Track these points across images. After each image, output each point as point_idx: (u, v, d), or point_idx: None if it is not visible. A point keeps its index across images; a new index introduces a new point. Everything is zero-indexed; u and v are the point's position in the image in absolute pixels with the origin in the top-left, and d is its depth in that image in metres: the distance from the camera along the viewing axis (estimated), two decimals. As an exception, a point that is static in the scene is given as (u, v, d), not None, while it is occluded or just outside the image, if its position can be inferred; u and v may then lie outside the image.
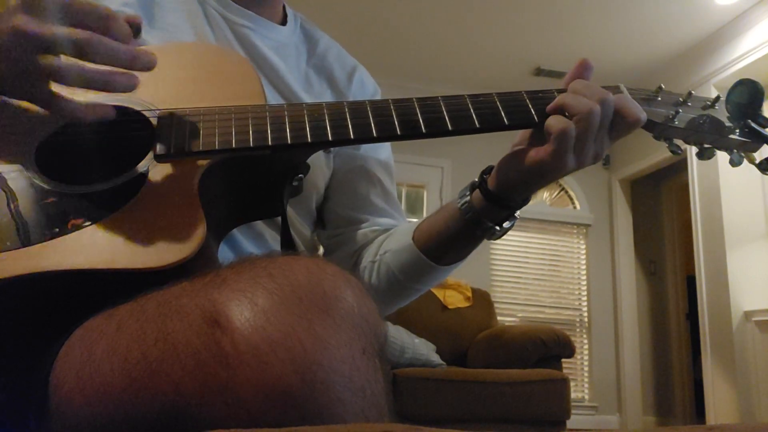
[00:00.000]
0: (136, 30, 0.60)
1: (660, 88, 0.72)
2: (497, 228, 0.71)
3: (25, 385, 0.46)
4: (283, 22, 0.91)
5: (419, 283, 0.82)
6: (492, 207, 0.69)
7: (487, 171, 0.71)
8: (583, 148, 0.63)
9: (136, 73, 0.56)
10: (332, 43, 0.96)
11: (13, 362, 0.49)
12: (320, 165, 0.83)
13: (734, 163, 0.71)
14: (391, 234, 0.85)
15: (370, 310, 0.41)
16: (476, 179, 0.71)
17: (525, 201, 0.71)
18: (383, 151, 0.92)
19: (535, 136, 0.66)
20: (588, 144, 0.63)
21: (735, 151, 0.72)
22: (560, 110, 0.64)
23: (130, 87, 0.56)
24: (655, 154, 4.46)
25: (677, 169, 4.68)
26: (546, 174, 0.65)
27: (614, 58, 4.20)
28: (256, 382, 0.35)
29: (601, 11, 3.71)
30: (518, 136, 0.69)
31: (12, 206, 0.54)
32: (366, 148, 0.89)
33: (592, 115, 0.62)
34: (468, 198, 0.71)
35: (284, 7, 0.93)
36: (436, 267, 0.77)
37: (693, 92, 0.71)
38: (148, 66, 0.57)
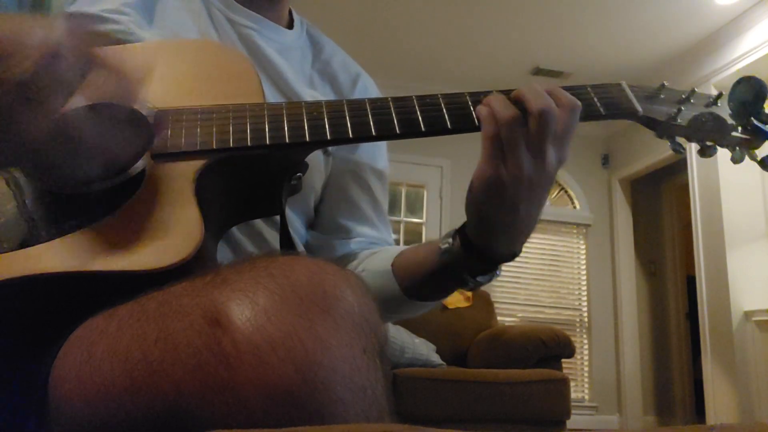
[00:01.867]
0: None
1: (663, 85, 0.72)
2: (470, 279, 0.67)
3: (25, 385, 0.46)
4: (290, 27, 0.91)
5: (388, 312, 0.78)
6: (469, 255, 0.65)
7: None
8: (516, 159, 0.59)
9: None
10: (337, 49, 0.95)
11: (13, 363, 0.49)
12: (318, 166, 0.83)
13: (736, 160, 0.71)
14: (376, 253, 0.82)
15: (371, 309, 0.41)
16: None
17: (508, 256, 0.65)
18: (380, 159, 0.91)
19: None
20: (546, 145, 0.59)
21: (737, 148, 0.71)
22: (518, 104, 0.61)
23: None
24: (655, 153, 4.46)
25: (677, 169, 4.68)
26: (489, 196, 0.60)
27: (614, 57, 4.20)
28: (257, 381, 0.34)
29: (601, 11, 3.71)
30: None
31: (20, 206, 0.54)
32: (363, 154, 0.89)
33: (549, 114, 0.59)
34: (450, 241, 0.67)
35: (291, 12, 0.93)
36: (407, 301, 0.75)
37: (696, 89, 0.71)
38: None
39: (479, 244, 0.65)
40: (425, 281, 0.72)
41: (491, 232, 0.64)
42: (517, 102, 0.60)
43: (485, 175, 0.60)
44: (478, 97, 0.65)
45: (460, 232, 0.67)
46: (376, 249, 0.86)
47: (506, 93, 0.65)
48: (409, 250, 0.76)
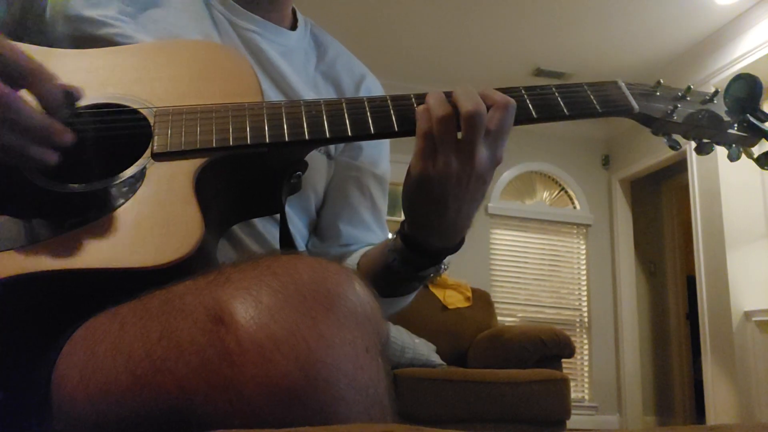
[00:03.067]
0: (72, 99, 0.55)
1: (659, 83, 0.72)
2: (414, 274, 0.68)
3: (27, 384, 0.46)
4: (293, 27, 0.91)
5: None
6: (410, 252, 0.67)
7: None
8: (473, 150, 0.60)
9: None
10: (342, 50, 0.95)
11: (14, 361, 0.49)
12: (320, 168, 0.83)
13: (732, 157, 0.72)
14: (354, 253, 0.84)
15: (373, 308, 0.41)
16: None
17: (446, 250, 0.67)
18: (381, 163, 0.92)
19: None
20: (476, 146, 0.60)
21: (733, 145, 0.72)
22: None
23: (43, 162, 0.51)
24: (655, 154, 4.46)
25: (677, 169, 4.68)
26: (420, 188, 0.61)
27: (614, 58, 4.20)
28: (261, 379, 0.35)
29: (601, 11, 3.71)
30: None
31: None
32: (365, 159, 0.89)
33: (478, 115, 0.59)
34: (394, 238, 0.69)
35: (294, 12, 0.92)
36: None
37: (692, 87, 0.72)
38: (61, 145, 0.52)
39: (415, 239, 0.66)
40: (381, 278, 0.73)
41: (423, 227, 0.65)
42: (453, 103, 0.61)
43: (415, 171, 0.62)
44: None
45: (399, 230, 0.68)
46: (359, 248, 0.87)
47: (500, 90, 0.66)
48: (372, 248, 0.78)
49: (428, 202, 0.62)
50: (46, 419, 0.43)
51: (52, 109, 0.52)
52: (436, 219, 0.64)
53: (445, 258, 0.68)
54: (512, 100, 0.62)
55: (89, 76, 0.65)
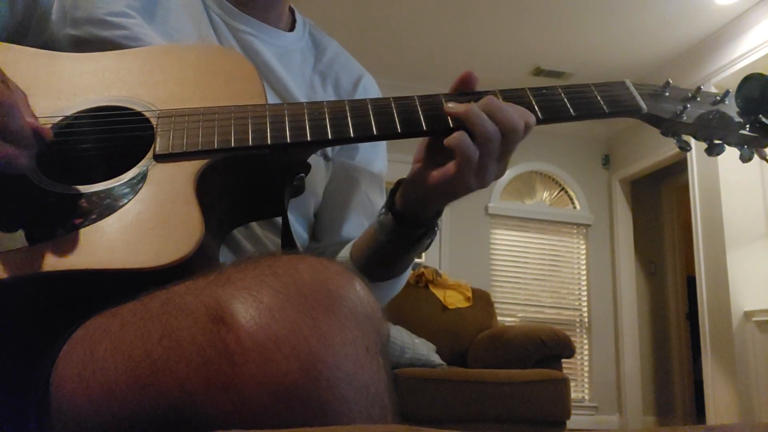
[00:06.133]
0: (38, 141, 0.54)
1: (668, 83, 0.71)
2: (417, 244, 0.70)
3: (26, 384, 0.46)
4: (291, 28, 0.91)
5: None
6: (404, 227, 0.69)
7: (397, 187, 0.70)
8: (485, 172, 0.62)
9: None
10: (340, 50, 0.95)
11: (14, 362, 0.49)
12: (319, 171, 0.83)
13: (745, 158, 0.71)
14: (343, 250, 0.85)
15: (374, 308, 0.41)
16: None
17: (436, 215, 0.70)
18: (378, 162, 0.92)
19: (432, 151, 0.66)
20: (490, 168, 0.63)
21: (745, 146, 0.71)
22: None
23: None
24: (656, 154, 4.46)
25: (677, 169, 4.68)
26: (450, 194, 0.65)
27: (614, 57, 4.20)
28: (261, 379, 0.35)
29: (601, 11, 3.72)
30: (417, 151, 0.68)
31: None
32: (360, 159, 0.89)
33: (492, 143, 0.61)
34: (383, 216, 0.71)
35: (293, 13, 0.92)
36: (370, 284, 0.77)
37: (702, 87, 0.71)
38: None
39: (411, 217, 0.69)
40: (375, 260, 0.75)
41: (427, 208, 0.69)
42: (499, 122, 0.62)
43: (452, 187, 0.63)
44: (479, 97, 0.65)
45: (390, 209, 0.70)
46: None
47: (505, 92, 0.66)
48: (361, 235, 0.79)
49: (446, 201, 0.67)
50: (45, 419, 0.43)
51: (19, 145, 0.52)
52: (442, 205, 0.69)
53: (438, 219, 0.71)
54: (519, 125, 0.62)
55: (94, 78, 0.65)
